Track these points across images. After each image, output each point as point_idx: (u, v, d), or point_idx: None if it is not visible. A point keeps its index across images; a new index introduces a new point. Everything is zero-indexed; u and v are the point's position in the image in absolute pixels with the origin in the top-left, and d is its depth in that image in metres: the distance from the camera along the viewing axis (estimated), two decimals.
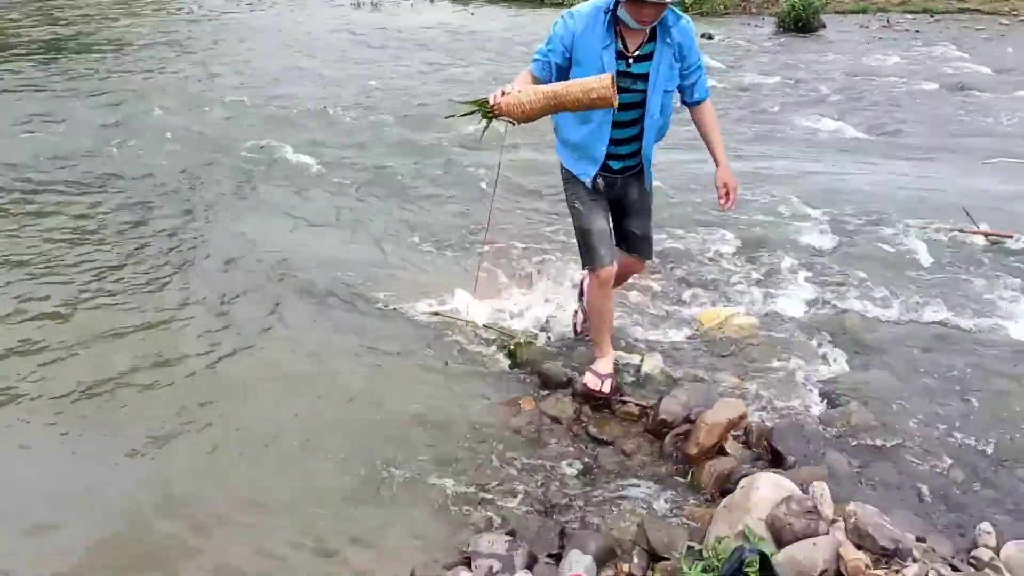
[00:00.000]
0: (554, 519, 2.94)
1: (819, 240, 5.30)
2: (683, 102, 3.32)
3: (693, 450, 3.25)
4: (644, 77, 3.11)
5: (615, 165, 3.32)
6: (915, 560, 2.41)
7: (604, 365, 3.63)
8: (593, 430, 3.49)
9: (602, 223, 3.37)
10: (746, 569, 2.16)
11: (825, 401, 3.61)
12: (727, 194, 3.27)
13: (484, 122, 2.99)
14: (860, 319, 4.25)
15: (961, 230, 5.32)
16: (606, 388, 3.56)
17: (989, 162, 7.00)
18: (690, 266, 4.93)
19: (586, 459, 3.32)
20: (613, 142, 3.23)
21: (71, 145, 6.78)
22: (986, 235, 5.26)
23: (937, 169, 6.88)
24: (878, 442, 3.20)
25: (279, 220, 5.62)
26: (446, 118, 3.18)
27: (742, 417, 3.35)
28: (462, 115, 3.04)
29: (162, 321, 4.21)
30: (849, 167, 6.91)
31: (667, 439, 3.38)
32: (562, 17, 3.13)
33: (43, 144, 6.77)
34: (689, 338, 4.18)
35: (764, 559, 2.15)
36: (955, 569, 2.51)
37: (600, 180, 3.34)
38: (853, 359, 3.92)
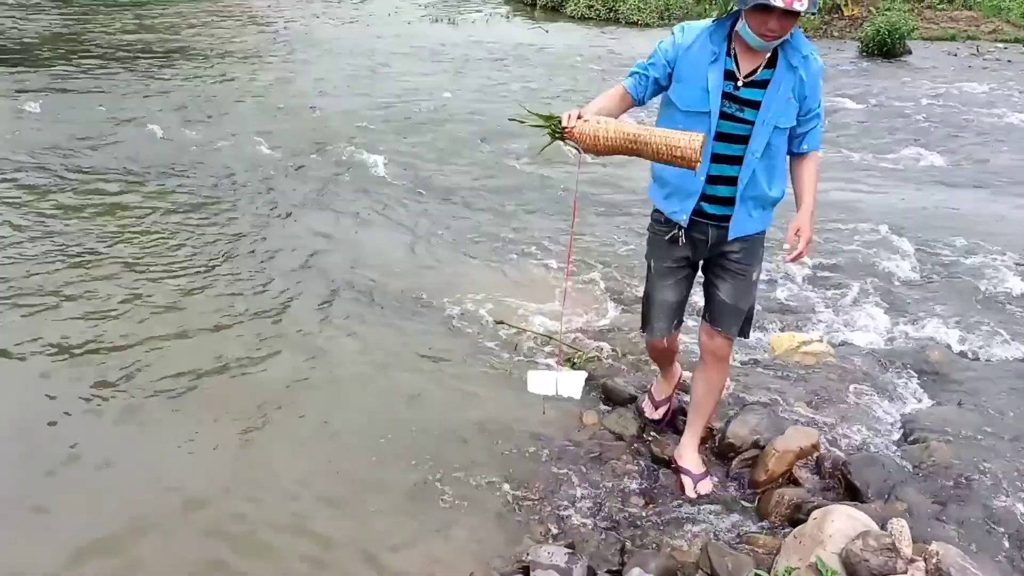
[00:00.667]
0: (615, 535, 2.87)
1: (902, 270, 5.11)
2: (788, 152, 2.79)
3: (761, 476, 3.13)
4: (755, 105, 2.62)
5: (709, 209, 2.77)
6: None
7: (661, 390, 3.53)
8: (656, 450, 3.40)
9: (668, 295, 2.95)
10: None
11: (904, 436, 3.44)
12: (797, 238, 2.70)
13: (547, 138, 2.64)
14: (945, 353, 4.06)
15: None
16: (658, 415, 3.50)
17: None
18: (763, 288, 4.79)
19: (648, 478, 3.24)
20: (710, 180, 2.71)
21: (154, 147, 7.00)
22: None
23: None
24: (961, 482, 3.03)
25: (352, 222, 5.70)
26: (510, 120, 2.93)
27: (814, 446, 3.23)
28: (530, 125, 2.69)
29: (224, 316, 4.28)
30: (935, 196, 6.66)
31: (734, 463, 3.27)
32: (672, 31, 2.73)
33: (126, 143, 7.00)
34: (760, 362, 4.06)
35: None
36: None
37: (685, 231, 2.81)
38: (935, 394, 3.73)
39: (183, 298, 4.43)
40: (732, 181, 2.71)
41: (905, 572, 2.33)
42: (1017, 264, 5.10)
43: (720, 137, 2.61)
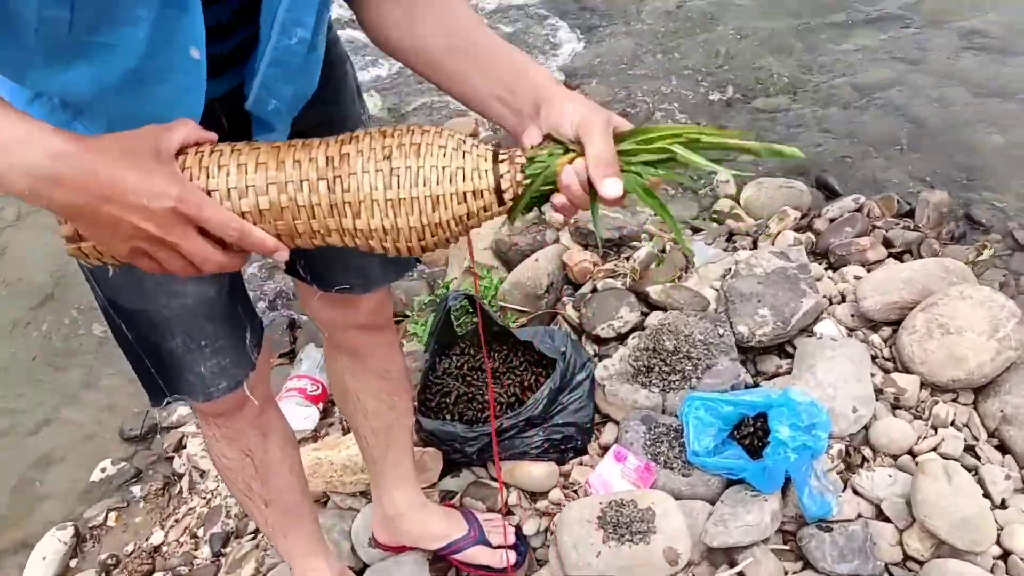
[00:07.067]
0: None
1: None
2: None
3: None
4: None
5: None
6: (650, 237, 2.20)
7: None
8: None
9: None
10: (457, 319, 1.88)
11: (565, 83, 3.26)
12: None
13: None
14: None
15: None
16: None
17: None
18: None
19: None
20: None
21: None
22: None
23: None
24: (619, 114, 2.92)
25: None
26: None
27: (474, 133, 3.00)
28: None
29: None
30: None
31: None
32: None
33: None
34: None
35: (471, 301, 1.88)
36: (696, 230, 2.34)
37: None
38: (589, 36, 3.54)
39: None
40: None
41: (556, 241, 2.21)
42: None
43: None
